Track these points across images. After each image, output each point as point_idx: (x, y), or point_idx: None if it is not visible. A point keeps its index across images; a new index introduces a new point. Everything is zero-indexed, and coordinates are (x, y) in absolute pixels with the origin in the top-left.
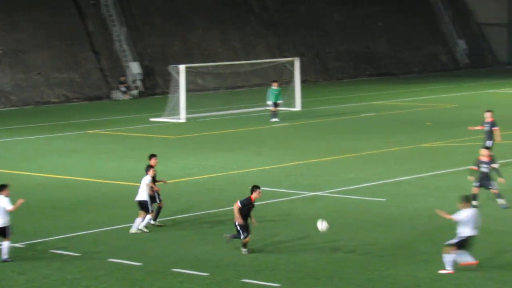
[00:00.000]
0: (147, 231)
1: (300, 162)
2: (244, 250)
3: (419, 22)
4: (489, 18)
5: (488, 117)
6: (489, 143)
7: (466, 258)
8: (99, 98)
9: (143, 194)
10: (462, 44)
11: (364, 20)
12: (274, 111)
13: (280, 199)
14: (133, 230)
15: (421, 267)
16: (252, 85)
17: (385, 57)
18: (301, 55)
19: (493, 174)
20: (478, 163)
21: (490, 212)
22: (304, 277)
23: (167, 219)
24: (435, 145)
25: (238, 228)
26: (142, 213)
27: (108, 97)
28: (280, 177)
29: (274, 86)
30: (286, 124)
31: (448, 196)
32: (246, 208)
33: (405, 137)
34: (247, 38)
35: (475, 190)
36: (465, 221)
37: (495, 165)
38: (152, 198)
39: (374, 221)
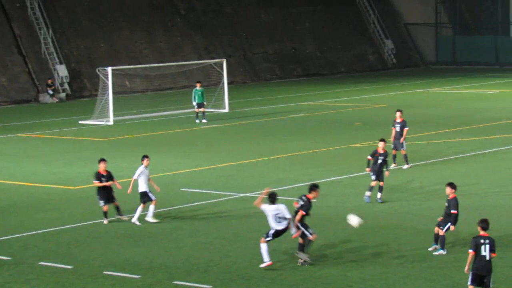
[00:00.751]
0: (154, 221)
1: (230, 163)
2: (304, 258)
3: (346, 23)
4: (416, 18)
5: (398, 117)
6: (403, 143)
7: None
8: (27, 101)
9: (142, 186)
10: (389, 44)
11: (291, 20)
12: (198, 112)
13: (211, 201)
14: (148, 219)
15: (352, 267)
16: (180, 86)
17: (312, 58)
18: (228, 56)
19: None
20: (375, 154)
21: (412, 210)
22: (235, 278)
23: (98, 221)
24: (364, 145)
25: (306, 232)
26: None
27: (36, 100)
28: (211, 178)
29: (198, 87)
30: (215, 125)
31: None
32: (308, 209)
33: (335, 137)
34: (174, 39)
35: (373, 184)
36: (269, 216)
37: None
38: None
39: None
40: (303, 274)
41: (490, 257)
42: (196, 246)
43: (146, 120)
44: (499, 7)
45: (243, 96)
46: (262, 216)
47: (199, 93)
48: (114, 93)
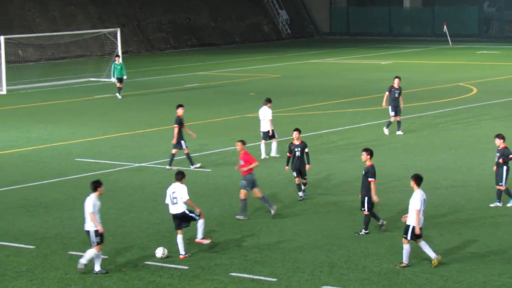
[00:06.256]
0: None
1: (125, 133)
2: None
3: None
4: None
5: (396, 83)
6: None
7: None
8: None
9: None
10: (283, 15)
11: None
12: (119, 87)
13: (106, 170)
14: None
15: (247, 236)
16: (74, 56)
17: (207, 28)
18: (122, 26)
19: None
20: (291, 147)
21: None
22: (131, 248)
23: None
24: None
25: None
26: None
27: None
28: (106, 148)
29: (117, 61)
30: (109, 95)
31: (274, 165)
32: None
33: (230, 107)
34: (67, 8)
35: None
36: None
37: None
38: None
39: (200, 191)
40: (198, 244)
41: None
42: None
43: (39, 90)
44: None
45: (137, 66)
46: (157, 186)
47: (118, 67)
48: (7, 62)
